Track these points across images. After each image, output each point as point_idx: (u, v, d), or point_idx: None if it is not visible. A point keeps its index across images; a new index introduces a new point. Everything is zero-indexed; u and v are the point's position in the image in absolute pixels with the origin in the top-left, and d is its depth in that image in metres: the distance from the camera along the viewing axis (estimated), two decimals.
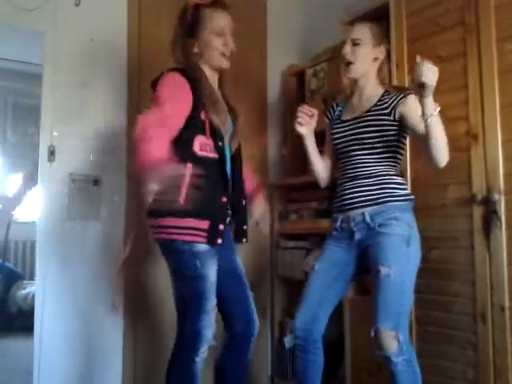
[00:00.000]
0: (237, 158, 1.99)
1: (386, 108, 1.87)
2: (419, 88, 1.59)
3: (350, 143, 1.92)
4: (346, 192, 1.91)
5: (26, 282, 4.85)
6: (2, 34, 3.00)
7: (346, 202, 1.90)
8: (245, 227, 2.00)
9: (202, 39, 1.89)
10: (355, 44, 1.92)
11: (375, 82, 1.98)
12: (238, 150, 2.00)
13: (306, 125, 1.96)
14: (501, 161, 1.87)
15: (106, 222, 2.58)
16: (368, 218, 1.83)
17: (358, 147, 1.90)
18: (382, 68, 2.00)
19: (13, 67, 4.76)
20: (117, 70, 2.65)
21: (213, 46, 1.89)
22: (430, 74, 1.55)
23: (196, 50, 1.91)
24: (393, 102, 1.87)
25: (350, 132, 1.92)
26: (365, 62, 1.94)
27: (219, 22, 1.89)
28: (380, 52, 1.96)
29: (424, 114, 1.64)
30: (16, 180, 5.41)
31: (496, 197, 1.86)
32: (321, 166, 2.08)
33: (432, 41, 2.10)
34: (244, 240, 2.01)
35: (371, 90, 1.96)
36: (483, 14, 1.93)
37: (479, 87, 1.93)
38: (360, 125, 1.90)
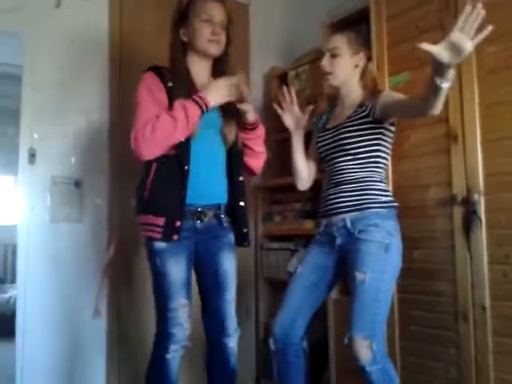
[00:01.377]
0: (234, 157, 1.98)
1: (364, 111, 1.90)
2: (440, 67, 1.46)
3: (333, 150, 1.95)
4: (330, 197, 1.93)
5: (7, 285, 4.80)
6: None
7: (329, 207, 1.92)
8: (245, 230, 2.00)
9: (191, 27, 1.89)
10: (333, 55, 1.95)
11: (358, 89, 2.00)
12: (237, 149, 1.98)
13: (287, 110, 2.06)
14: (480, 161, 1.89)
15: (89, 224, 2.56)
16: (349, 224, 1.84)
17: (340, 154, 1.93)
18: (365, 74, 2.01)
19: None
20: (98, 72, 2.63)
21: (200, 33, 1.87)
22: (445, 53, 1.42)
23: (185, 38, 1.91)
24: (369, 103, 1.90)
25: (332, 139, 1.95)
26: (344, 70, 1.96)
27: (211, 10, 1.88)
28: (359, 59, 1.98)
29: (441, 78, 1.49)
30: None
31: (476, 197, 1.89)
32: (303, 167, 2.10)
33: (412, 43, 2.10)
34: (246, 243, 2.02)
35: (354, 98, 1.99)
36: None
37: (459, 89, 1.96)
38: (341, 131, 1.92)
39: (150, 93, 1.83)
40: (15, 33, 2.46)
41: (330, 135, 1.97)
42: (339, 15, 2.51)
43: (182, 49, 1.93)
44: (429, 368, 2.03)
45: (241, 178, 1.99)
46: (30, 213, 2.42)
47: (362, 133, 1.88)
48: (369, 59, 2.05)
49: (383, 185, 1.93)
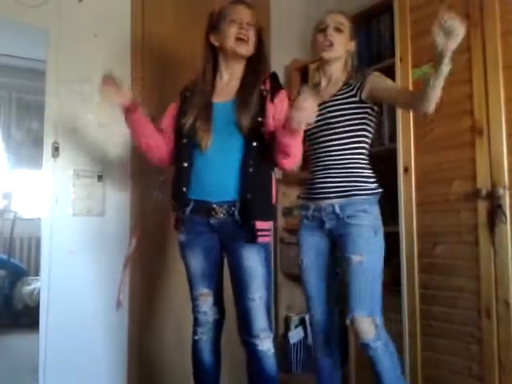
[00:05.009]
0: (247, 149, 1.87)
1: (352, 90, 1.94)
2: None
3: (319, 129, 1.95)
4: (317, 181, 1.97)
5: (31, 278, 4.88)
6: (6, 31, 3.00)
7: (317, 191, 1.97)
8: (251, 223, 1.84)
9: (220, 30, 1.95)
10: (338, 29, 1.98)
11: (341, 73, 2.04)
12: (253, 139, 1.87)
13: None
14: (505, 155, 1.86)
15: (111, 217, 2.59)
16: (337, 209, 1.90)
17: (327, 132, 1.95)
18: (348, 63, 2.06)
19: (17, 64, 4.77)
20: (121, 65, 2.64)
21: (228, 33, 1.92)
22: (449, 42, 1.47)
23: (216, 43, 1.98)
24: (357, 83, 1.94)
25: (319, 118, 1.88)
26: (342, 48, 2.00)
27: (237, 11, 1.95)
28: (351, 46, 2.04)
29: (439, 70, 1.55)
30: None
31: (501, 191, 1.86)
32: None
33: None
34: (253, 239, 1.84)
35: (338, 78, 2.03)
36: (487, 7, 1.92)
37: (484, 81, 1.92)
38: (328, 109, 1.95)
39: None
40: (40, 27, 2.48)
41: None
42: (362, 6, 2.49)
43: (211, 55, 2.00)
44: (450, 364, 2.01)
45: (250, 170, 1.85)
46: (53, 206, 2.46)
47: (348, 112, 1.92)
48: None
49: (369, 171, 1.96)
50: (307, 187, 2.04)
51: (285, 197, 3.07)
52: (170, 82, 2.26)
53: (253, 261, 1.87)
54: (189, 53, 2.14)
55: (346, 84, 1.97)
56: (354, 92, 1.93)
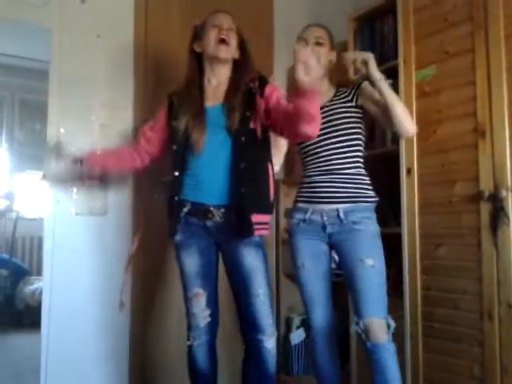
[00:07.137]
0: (236, 146, 1.88)
1: (348, 95, 1.98)
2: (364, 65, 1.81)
3: (319, 132, 1.90)
4: (320, 185, 1.97)
5: (33, 277, 4.88)
6: (9, 31, 3.01)
7: (321, 194, 1.96)
8: (247, 216, 1.84)
9: (203, 37, 2.00)
10: (318, 43, 2.00)
11: (328, 84, 2.07)
12: (241, 136, 1.87)
13: None
14: (508, 157, 1.86)
15: (113, 217, 2.59)
16: (342, 214, 1.91)
17: (327, 136, 1.96)
18: (332, 73, 2.10)
19: (20, 64, 4.79)
20: (123, 67, 2.65)
21: (209, 38, 1.96)
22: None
23: (199, 49, 2.02)
24: (352, 89, 1.99)
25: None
26: (324, 62, 1.99)
27: (218, 17, 2.00)
28: (333, 56, 2.05)
29: (373, 81, 1.80)
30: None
31: (504, 193, 1.85)
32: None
33: (440, 37, 2.09)
34: (247, 233, 1.85)
35: (327, 90, 2.05)
36: (492, 9, 1.91)
37: (487, 83, 1.92)
38: (326, 114, 1.96)
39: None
40: (43, 28, 2.49)
41: None
42: (365, 8, 2.49)
43: (196, 62, 2.04)
44: (452, 366, 2.01)
45: (242, 166, 1.85)
46: (55, 205, 2.46)
47: (346, 115, 1.97)
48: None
49: (368, 178, 2.01)
50: (305, 191, 2.04)
51: (287, 198, 3.06)
52: (170, 82, 2.27)
53: (252, 258, 1.90)
54: None
55: (339, 91, 2.01)
56: (350, 97, 1.98)
